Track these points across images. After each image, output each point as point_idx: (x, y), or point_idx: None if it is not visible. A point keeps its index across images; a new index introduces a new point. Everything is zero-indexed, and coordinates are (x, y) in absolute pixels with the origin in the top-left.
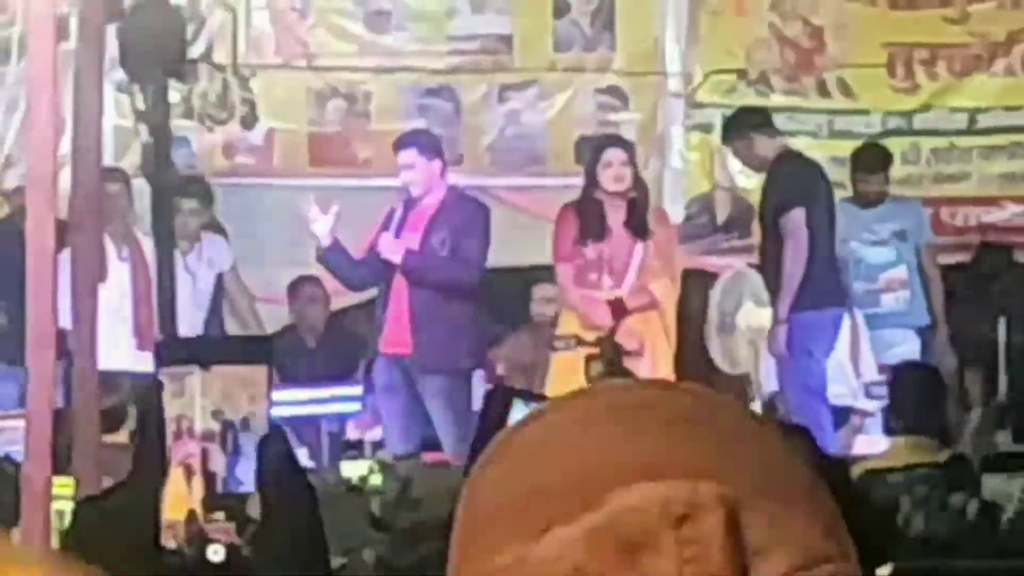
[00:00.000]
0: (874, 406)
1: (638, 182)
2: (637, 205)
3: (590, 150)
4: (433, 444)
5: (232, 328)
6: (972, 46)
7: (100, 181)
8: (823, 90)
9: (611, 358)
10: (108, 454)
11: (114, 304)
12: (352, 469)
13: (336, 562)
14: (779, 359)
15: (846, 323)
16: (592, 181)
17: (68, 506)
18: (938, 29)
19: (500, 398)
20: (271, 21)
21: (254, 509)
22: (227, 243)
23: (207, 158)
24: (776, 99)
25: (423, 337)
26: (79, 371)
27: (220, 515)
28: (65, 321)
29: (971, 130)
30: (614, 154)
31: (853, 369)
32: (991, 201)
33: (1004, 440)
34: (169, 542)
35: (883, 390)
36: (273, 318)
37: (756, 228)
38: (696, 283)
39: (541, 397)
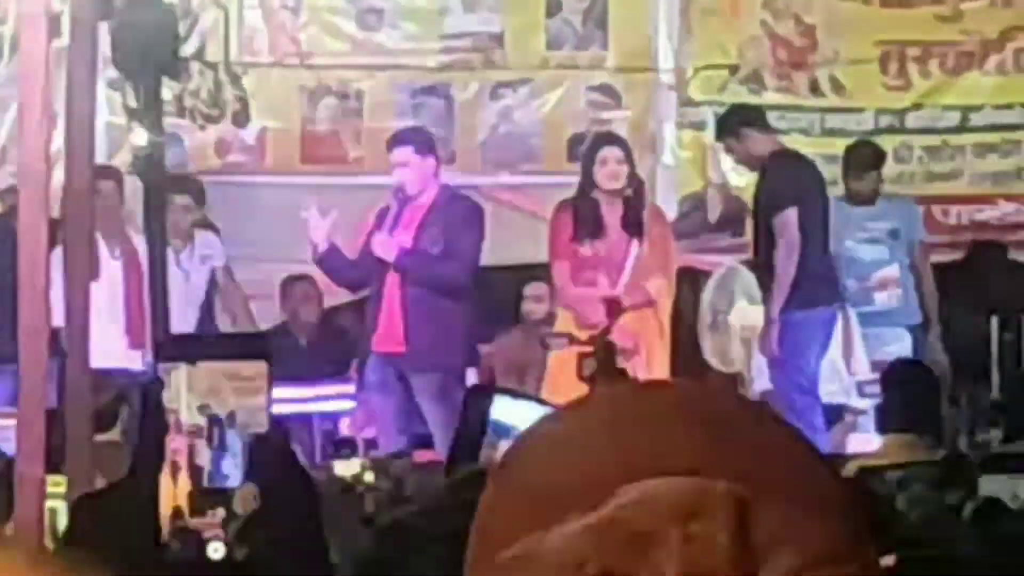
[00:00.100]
0: (867, 404)
1: (634, 180)
2: (633, 203)
3: (586, 148)
4: (426, 442)
5: (225, 326)
6: (965, 44)
7: (92, 179)
8: (815, 88)
9: (604, 357)
10: (100, 452)
11: (106, 303)
12: (345, 468)
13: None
14: (770, 359)
15: (839, 321)
16: (588, 179)
17: (61, 504)
18: (931, 27)
19: (480, 396)
20: (263, 19)
21: (239, 505)
22: (220, 241)
23: (199, 156)
24: (768, 97)
25: (416, 335)
26: (71, 369)
27: (220, 511)
28: (58, 319)
29: (964, 128)
30: (610, 152)
31: (846, 367)
32: (984, 199)
33: (996, 438)
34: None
35: (876, 388)
36: (266, 316)
37: (749, 226)
38: (689, 281)
39: (522, 395)
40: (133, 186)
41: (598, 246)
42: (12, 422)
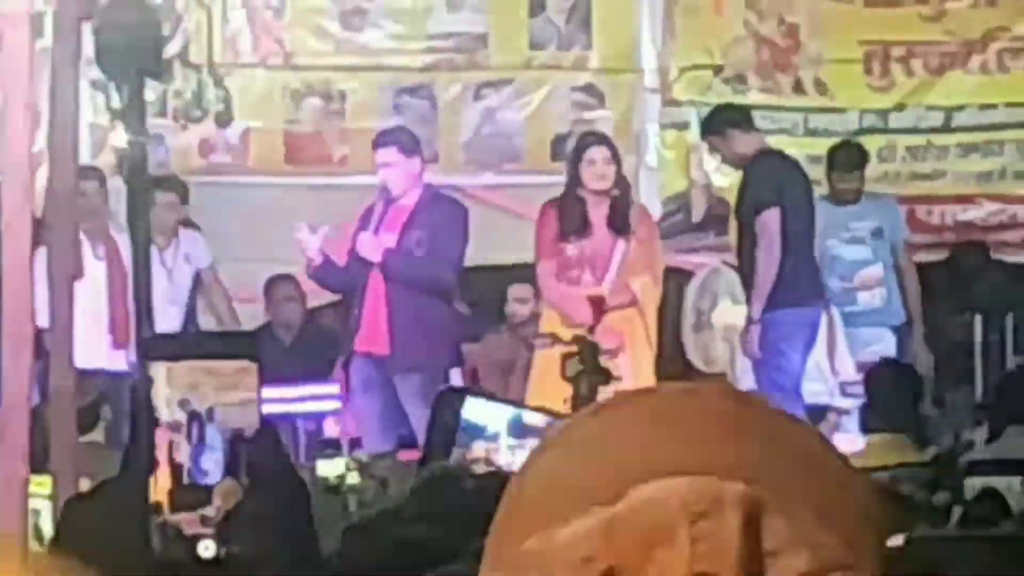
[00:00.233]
0: (851, 404)
1: (620, 180)
2: (619, 203)
3: (573, 148)
4: (410, 443)
5: (209, 326)
6: (948, 44)
7: (76, 179)
8: (799, 88)
9: (588, 357)
10: (84, 453)
11: (90, 303)
12: (329, 468)
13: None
14: (752, 359)
15: (823, 321)
16: (575, 179)
17: (45, 504)
18: (914, 27)
19: (452, 398)
20: (247, 19)
21: (220, 500)
22: (205, 240)
23: (183, 157)
24: (752, 97)
25: (400, 336)
26: (55, 369)
27: (211, 509)
28: (41, 320)
29: (947, 128)
30: (598, 152)
31: (830, 367)
32: (967, 199)
33: (980, 438)
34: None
35: (860, 388)
36: (249, 316)
37: (732, 226)
38: (672, 281)
39: (494, 396)
40: (116, 187)
41: (583, 245)
42: None
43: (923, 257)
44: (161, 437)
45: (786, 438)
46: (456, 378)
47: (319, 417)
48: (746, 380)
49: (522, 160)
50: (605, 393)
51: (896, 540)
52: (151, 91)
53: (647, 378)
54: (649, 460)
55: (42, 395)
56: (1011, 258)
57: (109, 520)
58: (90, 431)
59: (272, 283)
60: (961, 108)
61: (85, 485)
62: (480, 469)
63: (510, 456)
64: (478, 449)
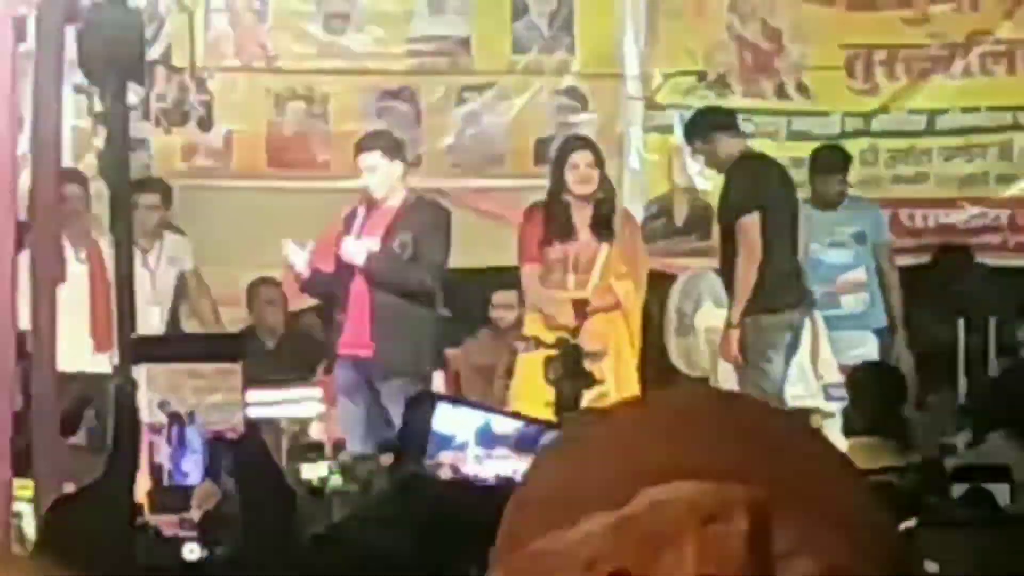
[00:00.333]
0: (834, 407)
1: (604, 183)
2: (603, 206)
3: (557, 151)
4: (393, 446)
5: (193, 329)
6: (931, 48)
7: (58, 183)
8: (782, 92)
9: (571, 360)
10: (67, 456)
11: (72, 306)
12: (312, 471)
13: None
14: (731, 363)
15: (807, 325)
16: (559, 182)
17: (27, 508)
18: (897, 30)
19: (423, 403)
20: (230, 23)
21: (199, 502)
22: (188, 243)
23: (166, 160)
24: (735, 101)
25: (383, 339)
26: (38, 372)
27: (190, 512)
28: (24, 322)
29: (930, 131)
30: (582, 156)
31: (813, 371)
32: (950, 203)
33: (963, 442)
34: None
35: (843, 391)
36: (232, 320)
37: (715, 229)
38: (655, 284)
39: (467, 402)
40: (99, 190)
41: (567, 249)
42: None
43: (906, 261)
44: (142, 439)
45: (792, 441)
46: (439, 381)
47: (302, 420)
48: (728, 384)
49: (505, 164)
50: (588, 396)
51: (909, 523)
52: (134, 95)
53: (630, 382)
54: (657, 464)
55: (25, 398)
56: (993, 261)
57: (93, 523)
58: (73, 434)
59: (255, 286)
60: (944, 112)
61: (68, 488)
62: (447, 475)
63: (477, 466)
64: (444, 458)
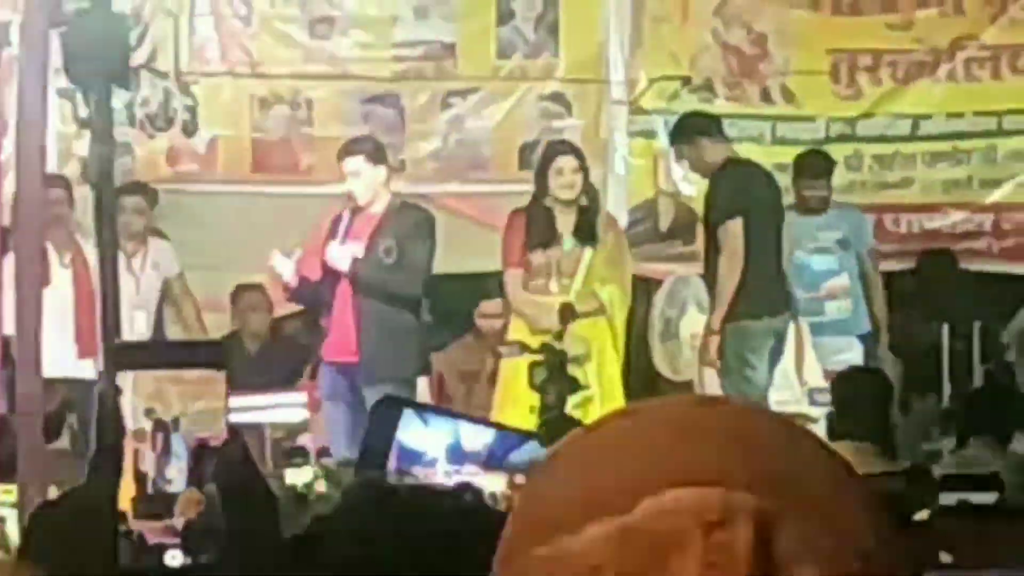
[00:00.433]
0: (818, 413)
1: (588, 188)
2: (587, 211)
3: (541, 156)
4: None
5: (177, 335)
6: (916, 52)
7: (43, 187)
8: (766, 96)
9: (555, 365)
10: (51, 460)
11: (56, 311)
12: (296, 476)
13: None
14: (710, 368)
15: (791, 331)
16: (543, 188)
17: (11, 513)
18: (882, 35)
19: (388, 408)
20: (214, 28)
21: (182, 509)
22: (173, 249)
23: (150, 165)
24: (719, 105)
25: (368, 345)
26: (22, 377)
27: (174, 519)
28: (8, 327)
29: (914, 136)
30: (566, 161)
31: (797, 376)
32: (934, 208)
33: (947, 446)
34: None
35: (827, 397)
36: (217, 325)
37: (700, 235)
38: (640, 290)
39: (433, 408)
40: (83, 195)
41: (551, 254)
42: None
43: (890, 266)
44: (126, 446)
45: (791, 446)
46: (423, 387)
47: (286, 425)
48: (712, 389)
49: (490, 169)
50: (572, 401)
51: (921, 514)
52: (118, 100)
53: (614, 387)
54: (662, 471)
55: (9, 403)
56: (978, 267)
57: (76, 529)
58: (55, 439)
59: (239, 292)
60: (928, 117)
61: (52, 493)
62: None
63: (448, 482)
64: (417, 473)
